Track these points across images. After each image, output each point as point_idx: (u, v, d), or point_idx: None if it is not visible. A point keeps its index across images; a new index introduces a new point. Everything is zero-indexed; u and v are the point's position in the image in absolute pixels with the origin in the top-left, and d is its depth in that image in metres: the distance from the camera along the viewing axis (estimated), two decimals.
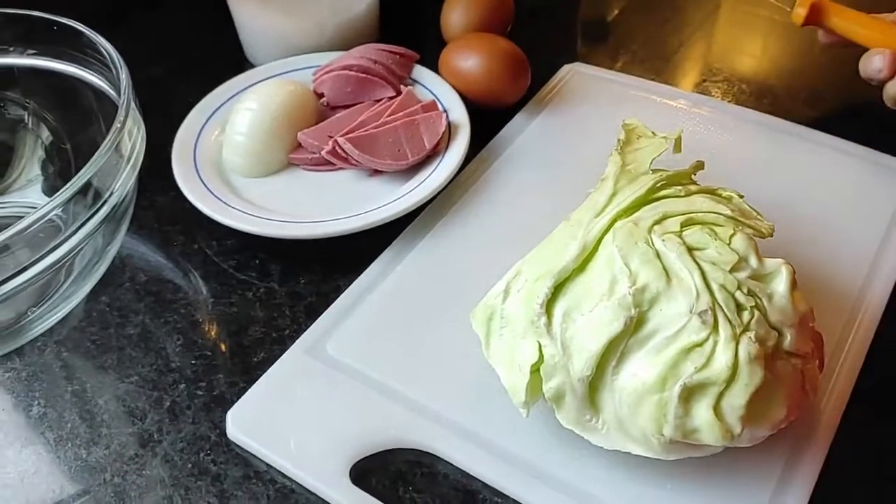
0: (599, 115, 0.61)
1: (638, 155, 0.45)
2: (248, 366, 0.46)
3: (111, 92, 0.51)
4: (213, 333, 0.49)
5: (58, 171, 0.54)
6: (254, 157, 0.56)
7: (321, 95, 0.61)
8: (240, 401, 0.43)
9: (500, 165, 0.57)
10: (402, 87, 0.61)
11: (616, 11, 0.77)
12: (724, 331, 0.35)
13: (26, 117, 0.54)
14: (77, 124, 0.53)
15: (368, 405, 0.43)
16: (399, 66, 0.62)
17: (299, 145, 0.57)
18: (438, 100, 0.60)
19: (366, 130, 0.55)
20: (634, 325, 0.36)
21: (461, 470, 0.41)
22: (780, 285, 0.38)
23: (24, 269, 0.40)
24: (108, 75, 0.51)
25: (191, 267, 0.52)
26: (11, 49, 0.52)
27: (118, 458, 0.42)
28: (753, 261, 0.38)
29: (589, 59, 0.68)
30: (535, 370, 0.38)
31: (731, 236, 0.39)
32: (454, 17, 0.66)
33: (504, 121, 0.61)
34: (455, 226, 0.53)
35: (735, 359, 0.35)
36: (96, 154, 0.42)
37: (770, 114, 0.60)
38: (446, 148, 0.56)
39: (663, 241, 0.38)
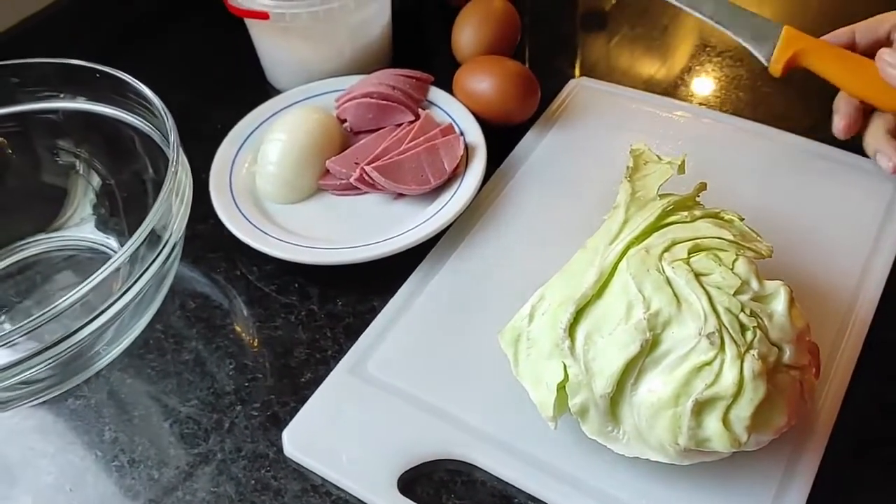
0: (606, 129, 0.65)
1: (646, 181, 0.49)
2: (297, 386, 0.51)
3: (152, 132, 0.55)
4: (261, 356, 0.53)
5: (108, 210, 0.58)
6: (286, 186, 0.60)
7: (344, 121, 0.65)
8: (293, 421, 0.48)
9: (514, 185, 0.61)
10: (419, 110, 0.64)
11: (614, 1, 0.81)
12: (729, 350, 0.40)
13: (77, 164, 0.58)
14: (122, 164, 0.57)
15: (410, 420, 0.48)
16: (415, 90, 0.66)
17: (327, 171, 0.61)
18: (455, 122, 0.64)
19: (390, 158, 0.59)
20: (649, 347, 0.41)
21: (497, 477, 0.46)
22: (780, 305, 0.42)
23: (96, 317, 0.44)
24: (148, 118, 0.54)
25: (235, 293, 0.57)
26: (62, 95, 0.55)
27: (187, 477, 0.47)
28: (755, 283, 0.42)
29: (591, 54, 0.71)
30: (561, 388, 0.43)
31: (734, 261, 0.43)
32: (465, 38, 0.69)
33: (516, 137, 0.65)
34: (477, 246, 0.57)
35: (740, 375, 0.39)
36: (156, 204, 0.46)
37: (764, 123, 0.64)
38: (465, 169, 0.60)
39: (673, 268, 0.42)
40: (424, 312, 0.53)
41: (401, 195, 0.60)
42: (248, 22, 0.70)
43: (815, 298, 0.51)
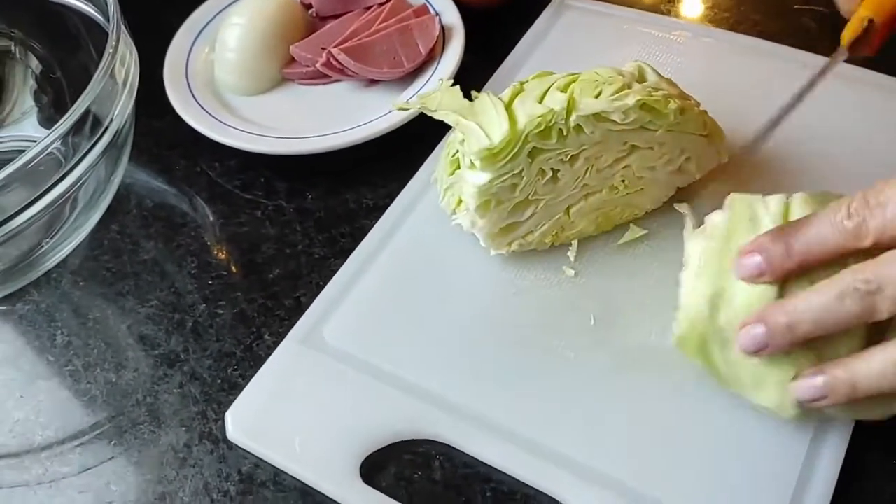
0: (593, 57, 0.50)
1: None
2: (265, 282, 0.47)
3: (98, 17, 0.50)
4: (226, 254, 0.49)
5: (52, 102, 0.53)
6: (247, 74, 0.55)
7: (309, 6, 0.59)
8: (236, 401, 0.41)
9: None
10: None
11: None
12: None
13: (13, 47, 0.52)
14: (66, 52, 0.52)
15: (374, 395, 0.41)
16: None
17: (292, 60, 0.57)
18: (430, 3, 0.59)
19: (359, 40, 0.55)
20: None
21: (476, 459, 0.39)
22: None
23: (30, 203, 0.40)
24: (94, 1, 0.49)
25: (196, 190, 0.52)
26: None
27: (148, 378, 0.44)
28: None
29: None
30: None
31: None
32: None
33: (496, 25, 0.59)
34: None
35: None
36: (91, 82, 0.41)
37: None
38: (441, 52, 0.55)
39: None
40: (388, 270, 0.45)
41: (373, 81, 0.55)
42: None
43: None
